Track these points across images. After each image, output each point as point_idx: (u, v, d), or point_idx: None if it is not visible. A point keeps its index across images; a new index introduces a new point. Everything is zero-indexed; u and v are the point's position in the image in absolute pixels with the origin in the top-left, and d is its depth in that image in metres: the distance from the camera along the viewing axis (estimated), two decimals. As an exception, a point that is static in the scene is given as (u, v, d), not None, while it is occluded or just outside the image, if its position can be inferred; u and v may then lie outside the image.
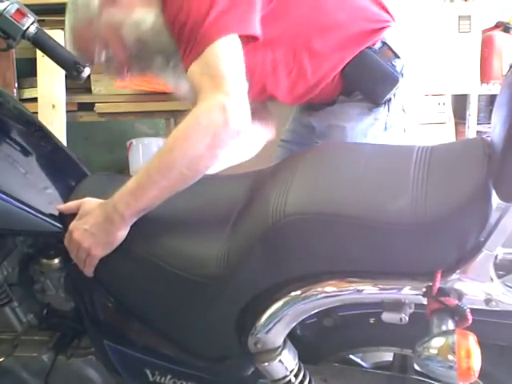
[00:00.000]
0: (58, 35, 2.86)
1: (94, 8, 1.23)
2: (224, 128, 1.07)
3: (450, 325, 0.94)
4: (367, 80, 1.42)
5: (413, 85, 1.51)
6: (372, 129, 1.46)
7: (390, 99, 1.44)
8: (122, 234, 1.13)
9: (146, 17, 1.21)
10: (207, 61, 1.11)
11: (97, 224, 1.13)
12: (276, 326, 1.05)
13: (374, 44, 1.41)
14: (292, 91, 1.41)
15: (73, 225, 1.16)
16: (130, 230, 1.14)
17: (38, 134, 1.31)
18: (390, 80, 1.43)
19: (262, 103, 1.51)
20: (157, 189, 1.10)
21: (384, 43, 1.43)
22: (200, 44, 1.12)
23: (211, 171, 1.18)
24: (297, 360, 1.11)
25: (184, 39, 1.14)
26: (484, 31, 2.83)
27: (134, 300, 1.20)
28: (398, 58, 1.44)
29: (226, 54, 1.12)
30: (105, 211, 1.13)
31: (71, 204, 1.20)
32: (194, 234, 1.14)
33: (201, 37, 1.12)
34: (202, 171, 1.10)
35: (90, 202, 1.18)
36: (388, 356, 1.23)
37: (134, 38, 1.23)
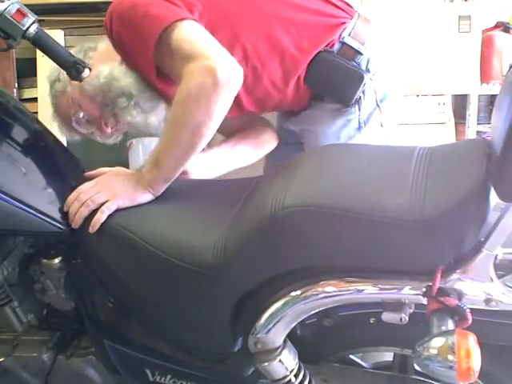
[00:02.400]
0: (57, 35, 2.87)
1: (64, 79, 1.39)
2: (215, 88, 1.15)
3: (450, 325, 0.94)
4: (332, 82, 1.43)
5: (387, 77, 1.50)
6: (345, 130, 1.47)
7: (360, 97, 1.45)
8: (145, 199, 1.21)
9: (103, 69, 1.35)
10: (169, 47, 1.21)
11: (127, 179, 1.23)
12: (276, 326, 1.05)
13: (331, 46, 1.42)
14: (252, 97, 1.42)
15: (107, 174, 1.26)
16: (126, 219, 1.17)
17: (37, 134, 1.31)
18: (355, 78, 1.43)
19: (253, 117, 1.55)
20: (173, 160, 1.21)
21: (343, 43, 1.43)
22: (150, 40, 1.22)
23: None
24: (297, 360, 1.11)
25: (154, 58, 1.25)
26: (484, 31, 2.83)
27: (129, 290, 1.20)
28: (361, 54, 1.44)
29: (184, 34, 1.22)
30: (136, 175, 1.23)
31: (104, 169, 1.30)
32: (193, 224, 1.15)
33: (148, 36, 1.22)
34: (209, 133, 1.19)
35: (126, 169, 1.31)
36: (388, 356, 1.23)
37: (96, 88, 1.36)
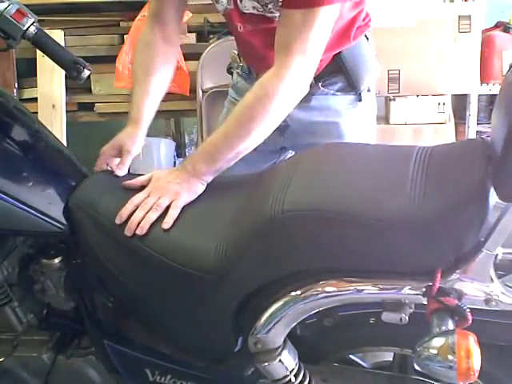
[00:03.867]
0: (58, 35, 2.87)
1: None
2: (295, 99, 1.22)
3: (450, 325, 0.94)
4: (360, 67, 1.45)
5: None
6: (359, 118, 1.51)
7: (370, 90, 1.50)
8: (201, 189, 1.22)
9: None
10: (311, 19, 1.18)
11: (181, 176, 1.21)
12: (276, 326, 1.05)
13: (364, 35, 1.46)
14: None
15: (153, 182, 1.23)
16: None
17: (38, 134, 1.30)
18: (376, 69, 1.50)
19: None
20: (233, 152, 1.20)
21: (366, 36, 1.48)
22: (315, 1, 1.17)
23: None
24: (297, 360, 1.11)
25: None
26: (484, 31, 2.83)
27: (130, 294, 1.20)
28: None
29: (327, 21, 1.21)
30: (185, 170, 1.22)
31: (141, 178, 1.27)
32: (193, 228, 1.15)
33: None
34: (270, 131, 1.22)
35: (161, 170, 1.27)
36: (388, 356, 1.23)
37: None
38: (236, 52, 1.59)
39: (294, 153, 1.57)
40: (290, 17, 1.20)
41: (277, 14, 1.31)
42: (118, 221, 1.15)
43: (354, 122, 1.50)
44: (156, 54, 1.43)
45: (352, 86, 1.46)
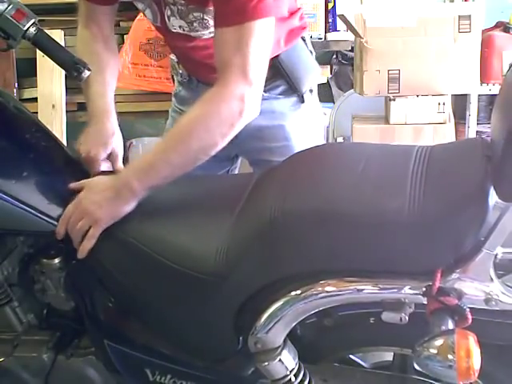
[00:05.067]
0: (57, 35, 2.87)
1: None
2: (239, 118, 1.15)
3: (450, 325, 0.94)
4: (299, 69, 1.46)
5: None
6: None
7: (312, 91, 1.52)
8: (130, 208, 1.17)
9: None
10: (245, 35, 1.14)
11: (106, 196, 1.17)
12: (276, 325, 1.05)
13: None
14: None
15: (81, 195, 1.18)
16: (128, 225, 1.16)
17: (38, 134, 1.30)
18: (317, 70, 1.52)
19: None
20: (170, 168, 1.16)
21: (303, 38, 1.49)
22: (245, 15, 1.14)
23: None
24: (297, 360, 1.11)
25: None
26: (484, 31, 2.83)
27: (131, 295, 1.20)
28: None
29: (263, 36, 1.17)
30: (115, 185, 1.17)
31: (80, 182, 1.23)
32: (194, 230, 1.15)
33: (249, 9, 1.13)
34: (212, 154, 1.18)
35: (99, 177, 1.24)
36: (388, 356, 1.23)
37: None
38: (175, 59, 1.56)
39: (243, 159, 1.60)
40: (224, 35, 1.16)
41: (203, 32, 1.31)
42: (58, 237, 1.17)
43: (299, 123, 1.50)
44: (100, 50, 1.42)
45: (293, 89, 1.47)
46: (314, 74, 1.52)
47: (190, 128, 1.17)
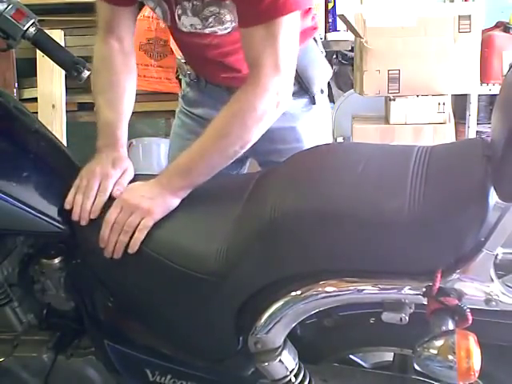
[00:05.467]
0: (57, 35, 2.87)
1: None
2: (275, 111, 1.18)
3: (450, 325, 0.94)
4: (311, 69, 1.46)
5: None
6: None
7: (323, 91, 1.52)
8: (177, 203, 1.18)
9: None
10: (274, 31, 1.15)
11: (154, 190, 1.17)
12: (276, 326, 1.05)
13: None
14: None
15: (123, 196, 1.18)
16: None
17: (37, 134, 1.30)
18: (327, 71, 1.52)
19: None
20: (209, 167, 1.18)
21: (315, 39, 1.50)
22: (276, 11, 1.14)
23: None
24: (297, 360, 1.11)
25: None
26: (484, 31, 2.83)
27: (131, 295, 1.20)
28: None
29: (291, 29, 1.17)
30: (159, 184, 1.18)
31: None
32: (194, 230, 1.15)
33: (279, 5, 1.13)
34: (249, 146, 1.20)
35: (137, 182, 1.23)
36: (388, 356, 1.23)
37: None
38: (182, 59, 1.54)
39: (252, 160, 1.59)
40: (252, 34, 1.17)
41: (219, 28, 1.30)
42: (101, 243, 1.15)
43: (310, 124, 1.50)
44: (119, 70, 1.36)
45: (305, 89, 1.46)
46: (325, 75, 1.52)
47: (226, 126, 1.17)
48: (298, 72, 1.41)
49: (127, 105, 1.37)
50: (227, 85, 1.43)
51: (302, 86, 1.46)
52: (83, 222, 1.17)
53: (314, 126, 1.51)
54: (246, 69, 1.24)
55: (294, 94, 1.44)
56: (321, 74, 1.50)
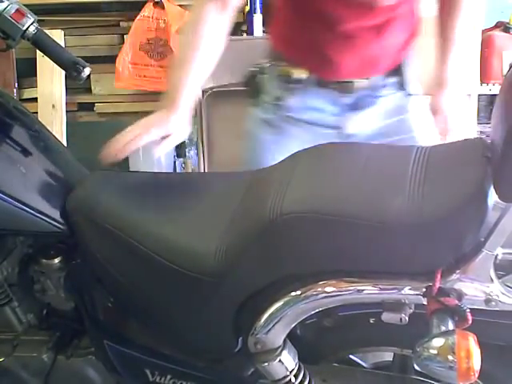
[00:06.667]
0: (57, 35, 2.87)
1: None
2: None
3: (450, 325, 0.94)
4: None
5: None
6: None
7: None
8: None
9: None
10: None
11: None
12: (276, 326, 1.05)
13: None
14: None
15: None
16: (128, 225, 1.15)
17: (37, 134, 1.30)
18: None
19: None
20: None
21: None
22: None
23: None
24: (297, 360, 1.11)
25: None
26: (484, 31, 2.83)
27: (131, 295, 1.20)
28: None
29: None
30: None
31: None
32: (193, 230, 1.14)
33: None
34: None
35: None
36: (388, 356, 1.23)
37: None
38: (285, 63, 1.41)
39: None
40: None
41: None
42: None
43: (417, 113, 1.50)
44: (209, 27, 1.33)
45: (405, 81, 1.47)
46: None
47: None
48: (401, 65, 1.45)
49: (210, 62, 1.44)
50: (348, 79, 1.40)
51: (401, 81, 1.47)
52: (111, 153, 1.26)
53: (421, 115, 1.51)
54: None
55: (396, 86, 1.46)
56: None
